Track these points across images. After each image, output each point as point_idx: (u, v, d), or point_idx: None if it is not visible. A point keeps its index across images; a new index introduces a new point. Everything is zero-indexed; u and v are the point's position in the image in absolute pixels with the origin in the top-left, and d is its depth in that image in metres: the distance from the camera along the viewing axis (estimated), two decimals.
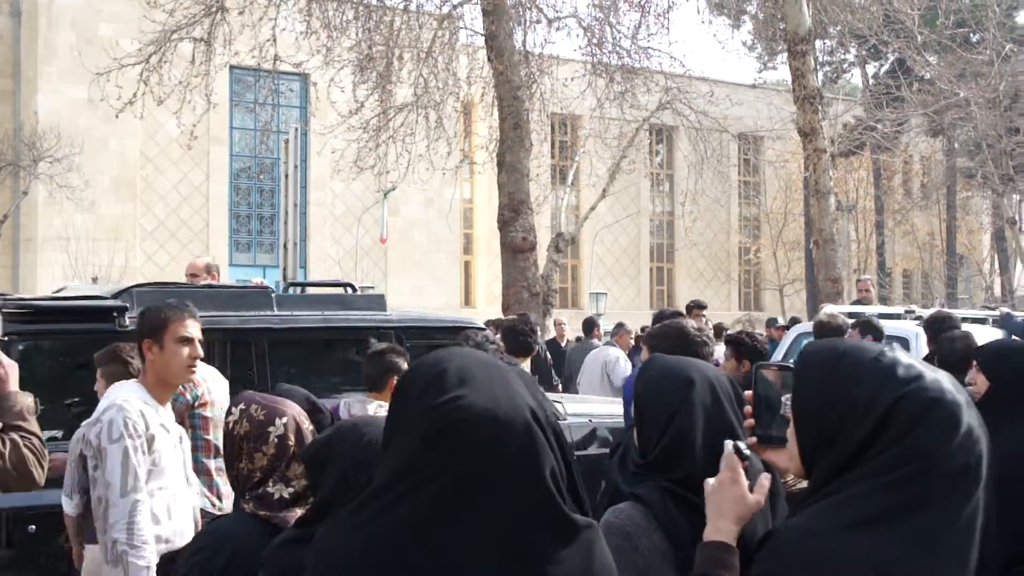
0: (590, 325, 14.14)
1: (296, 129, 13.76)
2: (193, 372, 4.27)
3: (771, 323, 16.97)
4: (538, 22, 18.11)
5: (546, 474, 1.78)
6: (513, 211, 15.44)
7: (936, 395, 1.76)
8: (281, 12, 16.74)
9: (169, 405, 4.39)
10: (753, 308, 44.27)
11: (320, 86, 18.14)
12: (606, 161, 23.69)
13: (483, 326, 7.59)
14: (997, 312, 11.77)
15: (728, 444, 2.07)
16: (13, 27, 31.94)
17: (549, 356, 12.80)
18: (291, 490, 3.06)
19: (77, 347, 5.82)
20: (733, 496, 1.99)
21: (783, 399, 1.95)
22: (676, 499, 2.40)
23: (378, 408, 4.89)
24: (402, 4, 17.48)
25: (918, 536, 1.70)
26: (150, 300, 5.81)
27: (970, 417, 1.76)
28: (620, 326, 13.76)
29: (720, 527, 1.99)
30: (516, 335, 7.52)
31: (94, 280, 26.22)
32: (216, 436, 5.30)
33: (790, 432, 1.89)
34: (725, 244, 44.90)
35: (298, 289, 8.94)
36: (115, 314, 5.82)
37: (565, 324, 16.14)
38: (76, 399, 5.68)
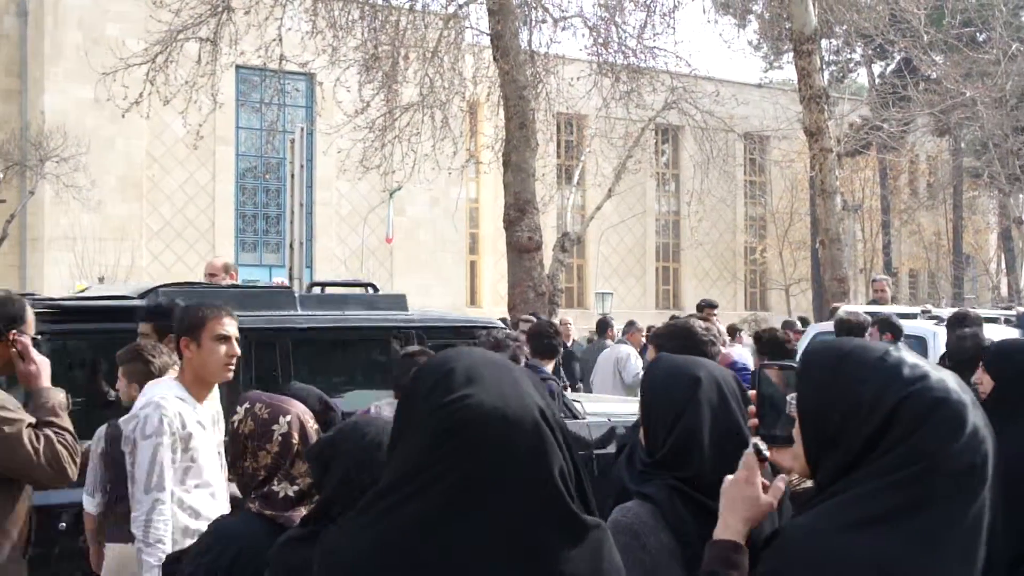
0: (604, 326, 14.14)
1: (302, 129, 13.75)
2: (231, 370, 4.28)
3: (787, 326, 16.89)
4: (544, 22, 18.10)
5: (555, 473, 1.78)
6: (519, 211, 15.43)
7: (941, 395, 1.75)
8: (287, 12, 16.75)
9: (207, 403, 4.41)
10: (759, 308, 44.21)
11: (326, 86, 18.14)
12: (612, 161, 23.65)
13: (503, 325, 7.61)
14: (1013, 312, 11.78)
15: (751, 444, 2.07)
16: (19, 27, 31.98)
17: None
18: (296, 488, 3.07)
19: (105, 346, 5.86)
20: (746, 496, 1.99)
21: (788, 398, 1.95)
22: (683, 498, 2.41)
23: None
24: (408, 4, 17.48)
25: (923, 536, 1.69)
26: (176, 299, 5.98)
27: (976, 417, 1.76)
28: (631, 324, 13.80)
29: (730, 525, 2.00)
30: (541, 337, 7.53)
31: (100, 280, 26.25)
32: None
33: (795, 431, 1.89)
34: (731, 244, 44.82)
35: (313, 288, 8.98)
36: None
37: (571, 324, 16.12)
38: (104, 397, 5.72)
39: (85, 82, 25.05)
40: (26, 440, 3.54)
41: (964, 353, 5.89)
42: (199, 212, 33.28)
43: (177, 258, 32.55)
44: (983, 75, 25.92)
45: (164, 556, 3.99)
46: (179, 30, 16.31)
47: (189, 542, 3.94)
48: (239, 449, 3.15)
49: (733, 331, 13.49)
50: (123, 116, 16.99)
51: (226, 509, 4.31)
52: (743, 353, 9.52)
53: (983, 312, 12.08)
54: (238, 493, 4.41)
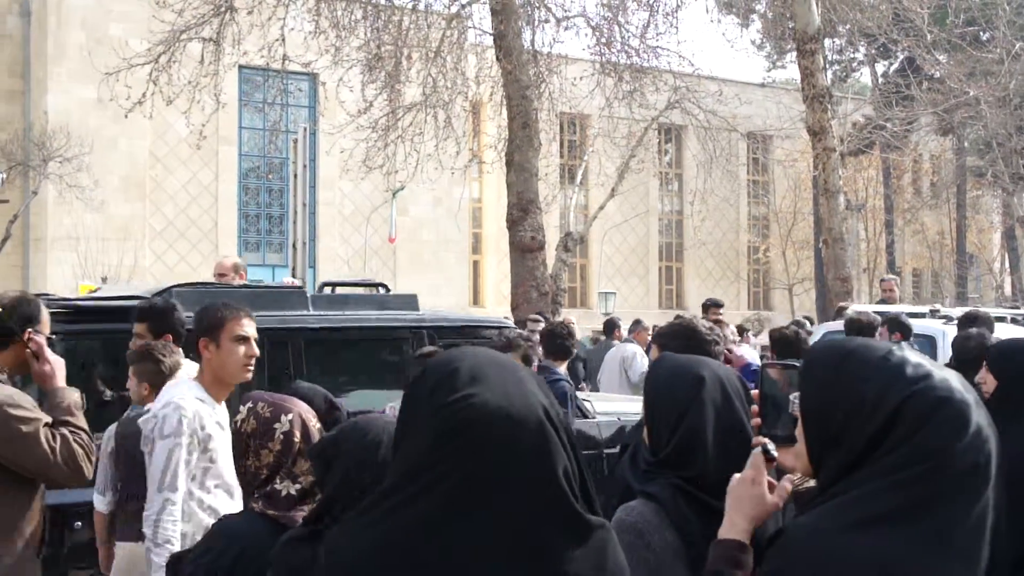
0: (611, 326, 14.15)
1: (305, 129, 13.77)
2: (250, 370, 4.28)
3: (798, 325, 16.84)
4: (547, 21, 18.10)
5: (559, 473, 1.78)
6: (522, 210, 15.43)
7: (945, 394, 1.75)
8: (290, 12, 16.76)
9: (224, 403, 4.42)
10: (762, 308, 44.18)
11: (329, 86, 18.16)
12: (615, 160, 23.65)
13: (514, 324, 7.64)
14: (1021, 311, 11.80)
15: (760, 444, 2.06)
16: (23, 27, 32.01)
17: None
18: (298, 487, 3.08)
19: (119, 346, 5.88)
20: (752, 495, 1.99)
21: (791, 397, 1.95)
22: (687, 497, 2.41)
23: None
24: (411, 4, 17.49)
25: (926, 536, 1.69)
26: (190, 300, 5.99)
27: (979, 416, 1.76)
28: (638, 323, 13.82)
29: (736, 525, 1.99)
30: (555, 338, 7.55)
31: (103, 280, 26.26)
32: None
33: (798, 431, 1.89)
34: (734, 243, 44.79)
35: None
36: None
37: (574, 323, 16.12)
38: (100, 396, 5.73)
39: (88, 82, 25.05)
40: (43, 439, 3.57)
41: (968, 353, 5.90)
42: (202, 212, 33.30)
43: (180, 258, 32.57)
44: (986, 74, 25.91)
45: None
46: (182, 30, 16.32)
47: None
48: (242, 448, 3.17)
49: (742, 331, 13.50)
50: (126, 116, 17.01)
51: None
52: (751, 353, 9.54)
53: (988, 311, 12.13)
54: None
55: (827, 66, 21.69)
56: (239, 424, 3.16)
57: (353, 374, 7.08)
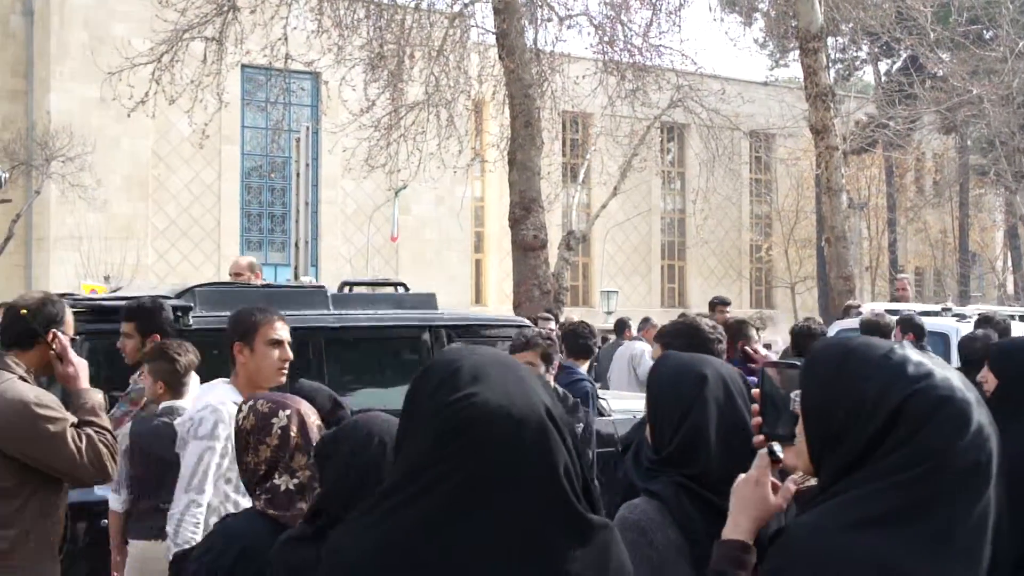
0: (621, 326, 14.16)
1: (307, 128, 13.77)
2: (284, 374, 4.27)
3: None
4: (549, 20, 18.11)
5: (560, 472, 1.78)
6: (524, 209, 15.44)
7: (946, 393, 1.75)
8: (292, 11, 16.77)
9: None
10: (764, 306, 44.18)
11: (331, 85, 18.20)
12: (617, 159, 23.65)
13: (531, 323, 7.66)
14: None
15: (766, 445, 2.06)
16: (25, 26, 32.05)
17: None
18: (296, 481, 3.10)
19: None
20: (756, 496, 1.99)
21: (792, 395, 1.95)
22: (690, 495, 2.41)
23: None
24: (413, 3, 17.50)
25: (927, 535, 1.69)
26: (212, 299, 6.11)
27: (980, 415, 1.75)
28: (647, 321, 13.88)
29: (739, 525, 1.99)
30: (576, 337, 7.55)
31: (106, 279, 26.28)
32: None
33: (799, 429, 1.89)
34: (736, 242, 44.80)
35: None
36: (179, 313, 5.93)
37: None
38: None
39: (91, 82, 25.06)
40: (70, 439, 3.60)
41: (975, 353, 5.94)
42: (204, 211, 33.33)
43: (183, 257, 32.61)
44: (990, 73, 25.90)
45: None
46: (185, 29, 16.34)
47: None
48: (242, 445, 3.19)
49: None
50: (128, 115, 17.04)
51: None
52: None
53: (989, 308, 12.21)
54: None
55: (830, 64, 21.68)
56: (240, 422, 3.19)
57: (373, 373, 7.13)
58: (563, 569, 1.77)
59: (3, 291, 21.71)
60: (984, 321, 7.96)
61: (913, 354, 1.81)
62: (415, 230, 35.32)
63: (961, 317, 10.43)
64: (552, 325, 10.47)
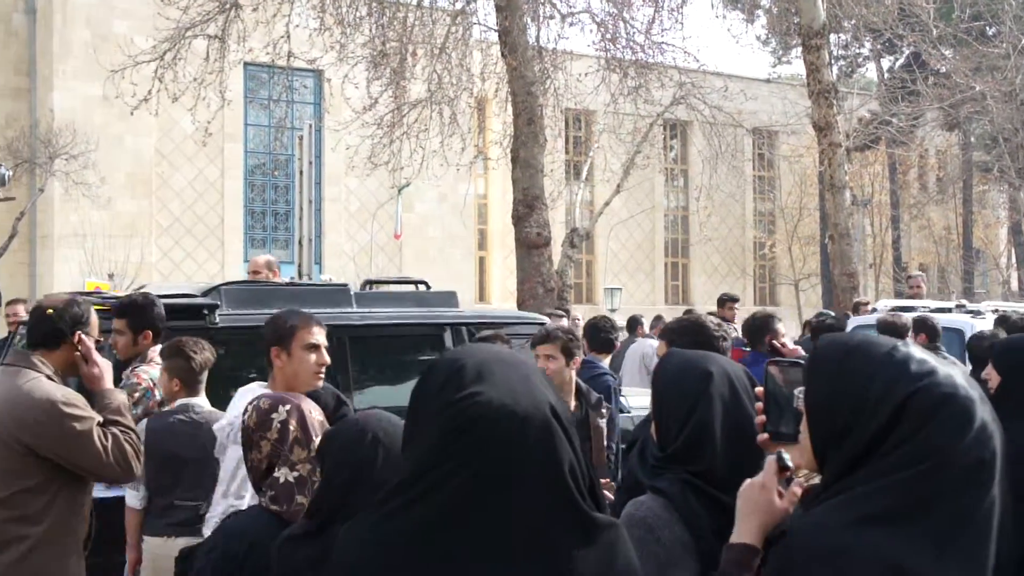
0: (634, 323, 14.17)
1: (310, 125, 13.80)
2: (321, 378, 4.26)
3: (823, 317, 16.81)
4: (551, 17, 18.10)
5: (565, 471, 1.78)
6: (527, 207, 15.42)
7: (949, 390, 1.75)
8: (295, 9, 16.77)
9: None
10: (768, 303, 44.15)
11: (334, 82, 18.18)
12: (620, 156, 23.65)
13: (546, 320, 7.70)
14: None
15: (772, 455, 2.07)
16: (28, 24, 32.06)
17: None
18: (296, 474, 3.14)
19: None
20: (763, 500, 1.99)
21: (796, 392, 1.95)
22: (696, 492, 2.42)
23: None
24: (415, 0, 17.49)
25: (930, 533, 1.69)
26: (238, 298, 6.21)
27: (983, 412, 1.75)
28: (659, 319, 13.95)
29: (746, 529, 2.00)
30: (598, 332, 7.56)
31: (110, 276, 26.32)
32: None
33: (802, 426, 1.89)
34: (740, 239, 44.76)
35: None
36: (206, 311, 6.03)
37: (580, 320, 16.12)
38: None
39: (94, 79, 25.10)
40: (96, 438, 3.66)
41: (984, 352, 6.00)
42: (208, 209, 33.34)
43: (186, 254, 32.63)
44: (992, 69, 25.87)
45: None
46: (187, 27, 16.34)
47: None
48: (246, 443, 3.23)
49: None
50: (132, 113, 17.05)
51: None
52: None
53: (1004, 305, 12.30)
54: None
55: (832, 61, 21.68)
56: (245, 420, 3.23)
57: (396, 370, 7.19)
58: (568, 568, 1.77)
59: (7, 289, 21.71)
60: (1002, 321, 8.04)
61: (916, 352, 1.81)
62: (418, 228, 35.32)
63: (976, 313, 10.53)
64: (564, 322, 10.48)
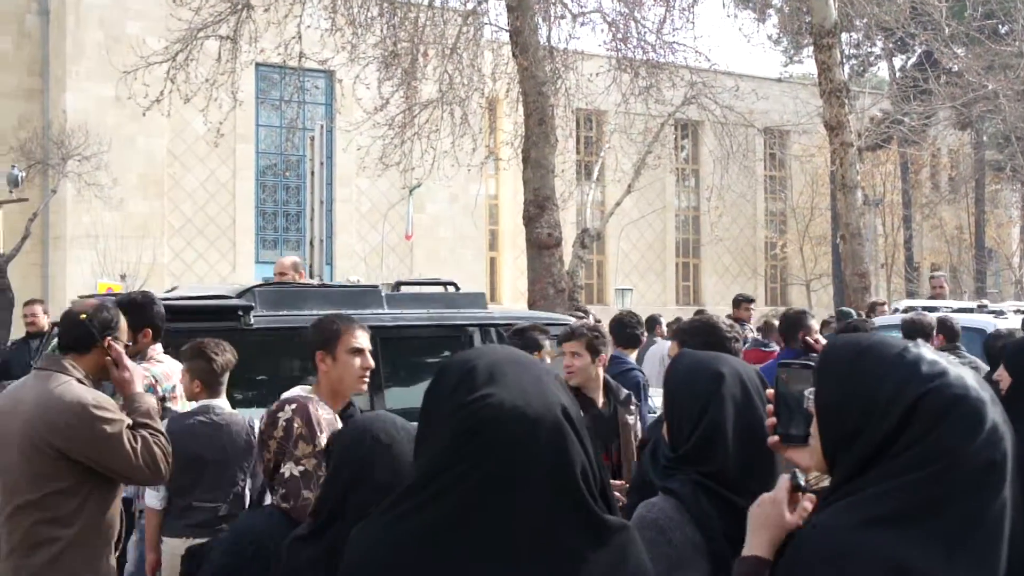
0: (652, 323, 14.16)
1: (322, 126, 13.82)
2: (365, 382, 4.28)
3: (844, 316, 16.73)
4: (563, 17, 18.09)
5: (576, 473, 1.78)
6: (538, 207, 15.42)
7: (960, 391, 1.74)
8: (306, 9, 16.79)
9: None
10: (780, 304, 44.05)
11: (345, 83, 18.21)
12: (631, 156, 23.63)
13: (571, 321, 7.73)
14: None
15: (787, 473, 2.07)
16: (41, 26, 32.17)
17: None
18: (301, 468, 3.22)
19: None
20: (773, 514, 1.99)
21: (806, 392, 1.95)
22: (708, 493, 2.42)
23: None
24: (427, 0, 17.50)
25: (940, 535, 1.68)
26: (272, 299, 6.29)
27: (995, 414, 1.74)
28: (678, 320, 13.92)
29: (757, 543, 2.00)
30: (624, 327, 7.57)
31: (122, 277, 26.39)
32: None
33: (813, 427, 1.89)
34: (751, 239, 44.67)
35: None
36: (240, 312, 6.11)
37: (601, 321, 16.09)
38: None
39: (106, 80, 25.16)
40: (126, 440, 3.70)
41: (999, 352, 6.01)
42: (220, 209, 33.41)
43: (198, 255, 32.70)
44: (1005, 68, 25.76)
45: None
46: (199, 28, 16.38)
47: None
48: (260, 444, 3.29)
49: (770, 328, 13.53)
50: (144, 114, 17.10)
51: None
52: None
53: (1017, 305, 12.31)
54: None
55: (844, 61, 21.64)
56: (260, 426, 3.31)
57: (426, 371, 7.24)
58: (578, 570, 1.77)
59: (20, 290, 21.81)
60: None
61: (927, 353, 1.80)
62: (429, 228, 35.34)
63: (998, 313, 10.57)
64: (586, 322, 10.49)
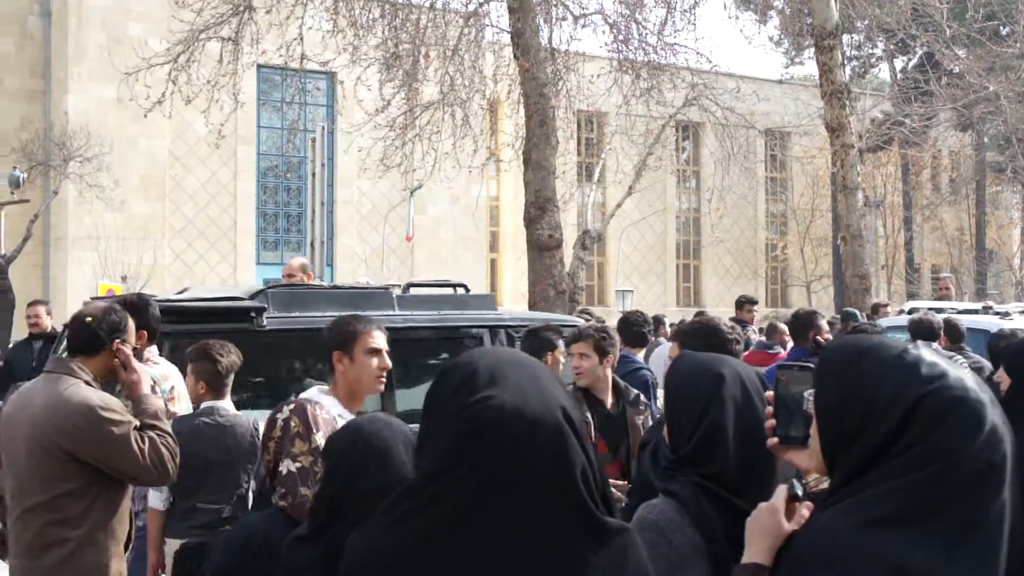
0: (656, 323, 14.16)
1: (323, 127, 13.82)
2: (383, 382, 4.27)
3: (850, 317, 16.71)
4: (564, 19, 18.09)
5: (576, 474, 1.79)
6: (539, 208, 15.43)
7: (960, 393, 1.74)
8: (308, 11, 16.81)
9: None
10: (780, 305, 44.06)
11: (347, 84, 18.19)
12: (632, 158, 23.63)
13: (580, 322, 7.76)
14: None
15: (786, 483, 2.08)
16: (43, 27, 32.22)
17: None
18: (298, 465, 3.25)
19: None
20: (771, 523, 1.99)
21: (805, 394, 1.95)
22: (708, 494, 2.42)
23: None
24: (428, 2, 17.51)
25: (940, 536, 1.68)
26: (284, 301, 6.30)
27: (994, 415, 1.74)
28: (683, 322, 13.87)
29: (756, 551, 2.00)
30: (631, 326, 7.57)
31: (123, 279, 26.41)
32: None
33: (812, 429, 1.89)
34: (752, 241, 44.69)
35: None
36: (253, 314, 6.12)
37: (604, 322, 16.09)
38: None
39: (108, 82, 25.20)
40: (133, 442, 3.73)
41: (1002, 352, 6.04)
42: (221, 211, 33.44)
43: (199, 256, 32.73)
44: (1006, 69, 25.74)
45: None
46: (201, 30, 16.39)
47: None
48: (263, 446, 3.33)
49: (773, 329, 13.51)
50: (145, 116, 17.10)
51: None
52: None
53: (1013, 307, 12.33)
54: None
55: (845, 62, 21.63)
56: (263, 429, 3.36)
57: (436, 370, 7.22)
58: (578, 572, 1.78)
59: (21, 291, 21.82)
60: None
61: (927, 354, 1.80)
62: (430, 230, 35.36)
63: (1003, 315, 10.60)
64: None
